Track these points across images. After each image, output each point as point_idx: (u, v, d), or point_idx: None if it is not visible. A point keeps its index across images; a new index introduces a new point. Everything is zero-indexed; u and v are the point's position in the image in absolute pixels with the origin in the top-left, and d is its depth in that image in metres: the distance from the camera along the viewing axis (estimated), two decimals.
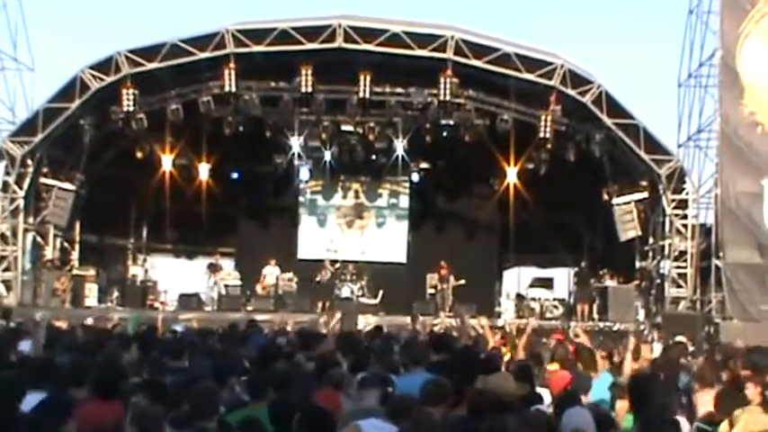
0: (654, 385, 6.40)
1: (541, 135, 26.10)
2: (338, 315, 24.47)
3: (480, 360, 9.23)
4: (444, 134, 27.24)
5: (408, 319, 22.73)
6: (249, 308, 26.88)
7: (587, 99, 25.36)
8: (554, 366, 10.00)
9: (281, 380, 7.37)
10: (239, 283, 28.39)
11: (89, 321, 17.76)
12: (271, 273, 28.33)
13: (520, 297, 28.98)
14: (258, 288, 28.12)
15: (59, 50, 46.23)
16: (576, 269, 29.70)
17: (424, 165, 29.60)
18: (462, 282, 27.23)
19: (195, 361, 8.68)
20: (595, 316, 27.04)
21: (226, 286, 28.27)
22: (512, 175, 27.81)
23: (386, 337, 13.39)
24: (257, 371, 8.07)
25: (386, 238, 31.50)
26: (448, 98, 26.00)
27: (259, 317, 21.95)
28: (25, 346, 10.42)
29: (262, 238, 31.02)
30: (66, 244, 28.97)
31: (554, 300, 28.43)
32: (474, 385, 7.06)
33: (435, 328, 22.84)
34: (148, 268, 32.06)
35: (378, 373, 8.02)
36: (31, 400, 6.28)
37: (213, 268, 28.61)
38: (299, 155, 28.66)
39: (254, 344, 11.08)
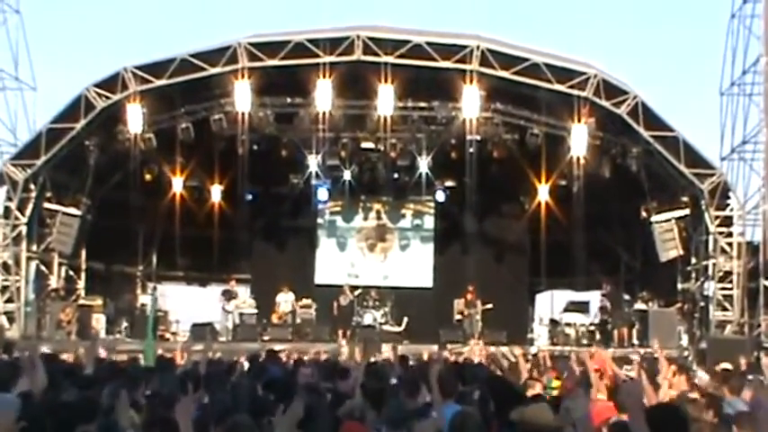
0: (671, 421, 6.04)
1: (574, 150, 26.09)
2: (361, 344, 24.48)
3: (514, 391, 9.17)
4: (471, 150, 27.28)
5: (435, 348, 22.64)
6: (266, 337, 26.90)
7: (622, 110, 25.33)
8: (600, 395, 9.91)
9: (304, 413, 7.35)
10: (255, 311, 28.46)
11: (102, 353, 17.81)
12: (285, 300, 28.40)
13: (553, 322, 28.87)
14: (274, 318, 28.16)
15: (63, 68, 46.60)
16: (604, 291, 29.44)
17: (449, 183, 29.68)
18: (489, 306, 27.30)
19: (219, 396, 8.70)
20: (635, 342, 26.89)
21: (241, 315, 28.33)
22: (543, 192, 27.88)
23: (412, 368, 13.33)
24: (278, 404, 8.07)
25: (410, 262, 31.50)
26: (474, 112, 26.05)
27: (277, 347, 21.94)
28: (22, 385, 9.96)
29: (278, 262, 31.07)
30: (71, 272, 29.11)
31: (590, 325, 28.31)
32: (508, 417, 7.05)
33: (463, 357, 22.81)
34: (158, 297, 32.12)
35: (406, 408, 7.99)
36: None
37: (228, 295, 28.68)
38: (316, 174, 28.82)
39: (270, 376, 11.05)
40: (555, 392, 11.53)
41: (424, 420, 7.51)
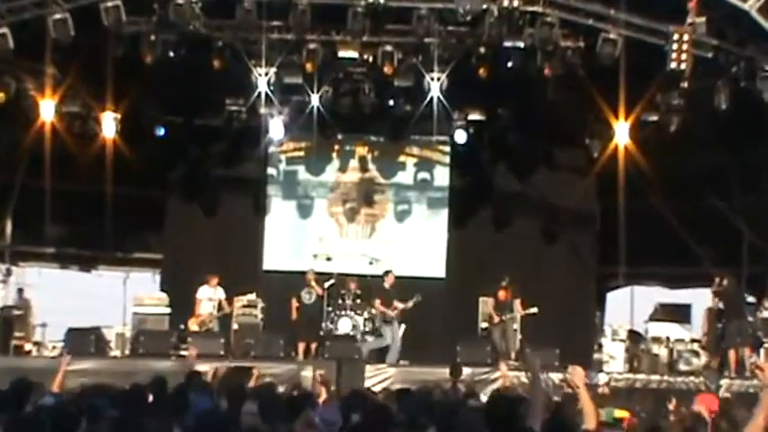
0: None
1: (673, 65, 25.89)
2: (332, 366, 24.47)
3: None
4: (509, 64, 27.16)
5: (447, 373, 22.62)
6: (184, 352, 26.77)
7: (751, 4, 25.19)
8: None
9: None
10: (166, 310, 28.59)
11: None
12: (210, 298, 28.34)
13: (635, 337, 28.87)
14: (191, 323, 28.16)
15: None
16: (716, 288, 29.28)
17: (474, 116, 29.71)
18: (534, 310, 27.40)
19: None
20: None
21: (143, 317, 28.36)
22: (622, 132, 27.71)
23: (414, 403, 13.24)
24: None
25: (412, 238, 31.59)
26: (515, 4, 25.94)
27: (200, 367, 21.87)
28: None
29: (205, 235, 31.16)
30: None
31: (692, 341, 28.25)
32: None
33: (493, 387, 22.81)
34: (17, 287, 31.94)
35: None
36: None
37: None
38: (267, 98, 28.53)
39: (195, 412, 10.96)
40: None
41: None
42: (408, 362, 26.79)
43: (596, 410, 13.06)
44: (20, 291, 31.13)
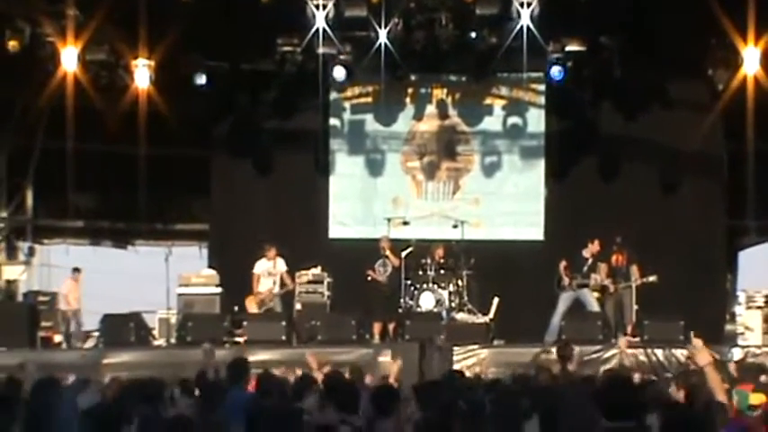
0: None
1: None
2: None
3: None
4: None
5: (555, 353, 22.51)
6: (238, 339, 26.90)
7: None
8: None
9: None
10: (217, 290, 28.66)
11: None
12: (268, 272, 28.43)
13: None
14: (249, 303, 28.26)
15: None
16: None
17: (572, 47, 29.35)
18: (654, 278, 27.14)
19: None
20: None
21: (190, 298, 28.46)
22: (751, 59, 27.44)
23: (509, 394, 13.24)
24: None
25: (503, 195, 31.57)
26: None
27: (260, 356, 21.90)
28: None
29: (258, 201, 31.27)
30: None
31: None
32: None
33: (605, 368, 22.73)
34: (40, 266, 32.06)
35: None
36: None
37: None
38: (326, 35, 28.47)
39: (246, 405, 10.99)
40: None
41: None
42: (504, 341, 26.74)
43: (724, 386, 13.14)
44: (75, 270, 30.44)
